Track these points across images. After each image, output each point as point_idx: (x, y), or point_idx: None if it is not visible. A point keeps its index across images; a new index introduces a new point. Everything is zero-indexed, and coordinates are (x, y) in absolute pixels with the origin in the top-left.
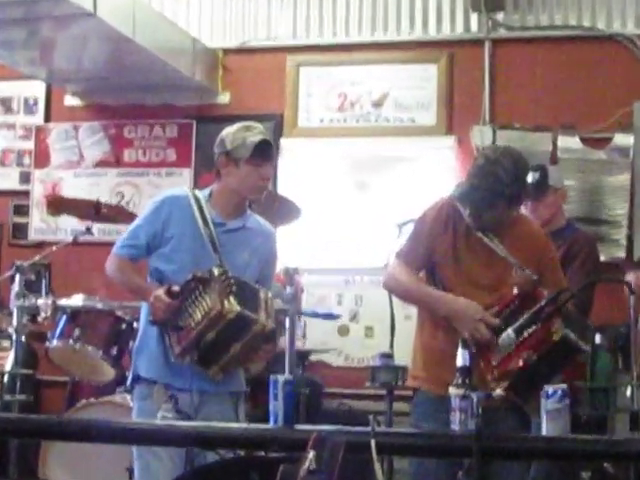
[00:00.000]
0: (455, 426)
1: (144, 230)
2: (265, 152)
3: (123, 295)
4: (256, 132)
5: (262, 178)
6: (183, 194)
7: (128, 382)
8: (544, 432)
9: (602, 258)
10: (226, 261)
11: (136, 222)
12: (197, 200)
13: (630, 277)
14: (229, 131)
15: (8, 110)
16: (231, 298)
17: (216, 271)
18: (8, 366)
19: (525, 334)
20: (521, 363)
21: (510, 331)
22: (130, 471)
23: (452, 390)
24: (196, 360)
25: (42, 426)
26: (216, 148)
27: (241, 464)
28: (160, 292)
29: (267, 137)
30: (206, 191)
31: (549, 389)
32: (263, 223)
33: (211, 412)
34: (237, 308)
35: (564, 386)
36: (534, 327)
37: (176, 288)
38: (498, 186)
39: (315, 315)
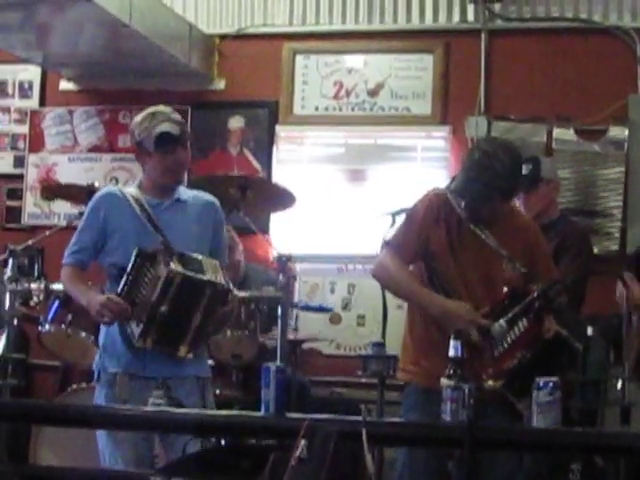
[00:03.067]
0: (446, 417)
1: (87, 233)
2: (169, 141)
3: None
4: (161, 120)
5: (174, 164)
6: (114, 190)
7: (95, 376)
8: (535, 425)
9: (595, 251)
10: (170, 237)
11: (78, 229)
12: (127, 191)
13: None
14: (136, 121)
15: (3, 94)
16: (175, 263)
17: (160, 247)
18: (0, 350)
19: (517, 328)
20: (516, 362)
21: (502, 321)
22: None
23: (444, 381)
24: (157, 341)
25: (33, 411)
26: (129, 139)
27: (232, 452)
28: (111, 295)
29: (171, 124)
30: (137, 182)
31: (540, 381)
32: (199, 194)
33: (179, 397)
34: (181, 269)
35: (555, 379)
36: (525, 320)
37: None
38: (495, 180)
39: (307, 308)
